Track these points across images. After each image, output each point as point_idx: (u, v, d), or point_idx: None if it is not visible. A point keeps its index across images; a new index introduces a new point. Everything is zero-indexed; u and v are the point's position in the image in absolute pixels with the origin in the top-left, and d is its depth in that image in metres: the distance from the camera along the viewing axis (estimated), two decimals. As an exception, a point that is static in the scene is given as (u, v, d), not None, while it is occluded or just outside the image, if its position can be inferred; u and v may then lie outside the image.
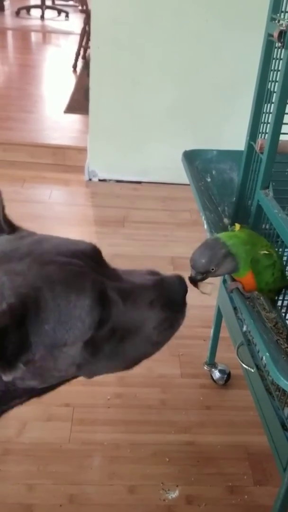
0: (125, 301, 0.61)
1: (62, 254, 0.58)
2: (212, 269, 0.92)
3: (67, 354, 0.56)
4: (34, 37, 5.86)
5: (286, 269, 1.10)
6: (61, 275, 0.56)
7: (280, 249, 1.12)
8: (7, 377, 0.53)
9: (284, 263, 1.09)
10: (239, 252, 0.92)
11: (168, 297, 0.64)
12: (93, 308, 0.56)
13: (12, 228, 0.65)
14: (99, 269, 0.60)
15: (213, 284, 0.99)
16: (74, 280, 0.56)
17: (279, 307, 1.19)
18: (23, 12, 6.56)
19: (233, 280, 0.98)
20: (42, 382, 0.58)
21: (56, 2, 6.90)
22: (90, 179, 2.84)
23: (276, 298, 1.11)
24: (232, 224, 1.08)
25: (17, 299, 0.52)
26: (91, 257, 0.61)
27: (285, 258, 1.09)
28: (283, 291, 1.11)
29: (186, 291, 0.66)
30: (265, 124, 1.14)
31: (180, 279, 0.66)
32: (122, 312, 0.60)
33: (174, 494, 1.27)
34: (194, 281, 0.94)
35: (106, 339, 0.59)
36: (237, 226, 0.99)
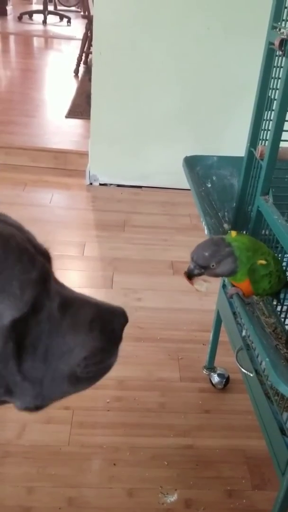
0: (64, 309, 0.54)
1: (23, 235, 0.55)
2: (212, 265, 0.91)
3: None
4: (36, 42, 5.89)
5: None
6: (19, 243, 0.52)
7: (280, 255, 1.13)
8: None
9: (284, 268, 1.10)
10: (241, 256, 0.92)
11: (108, 323, 0.57)
12: (37, 282, 0.51)
13: None
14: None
15: (208, 282, 0.99)
16: (27, 253, 0.52)
17: (278, 313, 1.20)
18: (26, 17, 6.60)
19: (233, 285, 0.99)
20: None
21: (59, 8, 6.95)
22: (91, 183, 2.86)
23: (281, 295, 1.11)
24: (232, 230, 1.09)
25: None
26: (44, 256, 0.56)
27: (284, 264, 1.10)
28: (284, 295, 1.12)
29: (126, 323, 0.59)
30: (265, 131, 1.15)
31: (123, 310, 0.60)
32: (58, 319, 0.54)
33: (172, 498, 1.28)
34: (191, 275, 0.93)
35: (33, 340, 0.52)
36: (233, 233, 0.99)
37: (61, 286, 0.57)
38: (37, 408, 0.57)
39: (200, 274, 0.93)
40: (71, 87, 4.22)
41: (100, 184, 2.86)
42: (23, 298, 0.49)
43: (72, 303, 0.55)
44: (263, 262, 0.93)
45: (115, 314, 0.58)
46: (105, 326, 0.56)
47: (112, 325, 0.57)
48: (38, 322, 0.52)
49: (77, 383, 0.57)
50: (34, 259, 0.52)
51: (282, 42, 0.96)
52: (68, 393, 0.58)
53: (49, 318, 0.53)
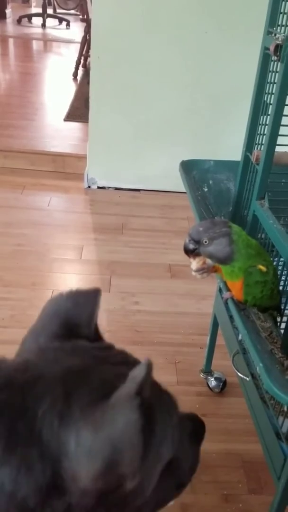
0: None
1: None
2: (205, 242, 0.89)
3: (157, 472, 0.50)
4: (35, 45, 5.90)
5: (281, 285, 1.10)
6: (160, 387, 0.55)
7: (275, 259, 1.13)
8: (131, 484, 0.45)
9: (279, 272, 1.10)
10: (239, 244, 0.89)
11: (198, 431, 0.62)
12: (176, 421, 0.54)
13: (97, 336, 0.59)
14: None
15: (207, 266, 0.98)
16: (163, 388, 0.56)
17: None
18: (25, 20, 6.61)
19: (228, 290, 0.99)
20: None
21: (58, 11, 6.96)
22: (89, 187, 2.86)
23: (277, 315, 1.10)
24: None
25: None
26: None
27: (279, 268, 1.10)
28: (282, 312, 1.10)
29: (204, 426, 0.64)
30: (261, 136, 1.15)
31: (196, 415, 0.64)
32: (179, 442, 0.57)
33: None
34: (186, 250, 0.92)
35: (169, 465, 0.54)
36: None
37: None
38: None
39: (194, 250, 0.91)
40: (70, 90, 4.22)
41: (98, 187, 2.86)
42: (174, 440, 0.52)
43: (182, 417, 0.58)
44: (263, 268, 0.91)
45: (196, 419, 0.62)
46: (198, 435, 0.61)
47: (201, 433, 0.62)
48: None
49: (180, 488, 0.61)
50: (174, 404, 0.55)
51: (277, 47, 0.96)
52: (172, 498, 0.61)
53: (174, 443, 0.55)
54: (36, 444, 0.43)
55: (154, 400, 0.49)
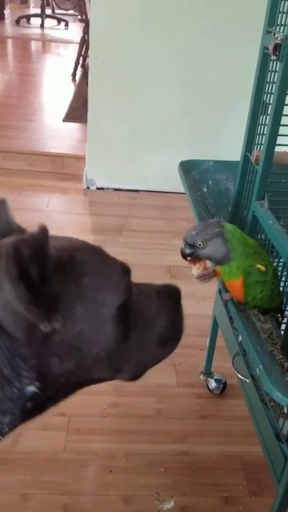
0: (137, 289, 0.64)
1: None
2: (199, 245, 0.89)
3: (106, 318, 0.57)
4: (34, 45, 5.89)
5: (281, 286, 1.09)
6: (94, 246, 0.62)
7: (276, 260, 1.12)
8: (45, 327, 0.51)
9: (279, 273, 1.09)
10: (234, 242, 0.89)
11: (167, 289, 0.69)
12: (124, 273, 0.61)
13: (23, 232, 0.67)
14: None
15: (208, 272, 0.98)
16: (104, 252, 0.62)
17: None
18: (23, 21, 6.60)
19: (227, 291, 0.98)
20: (79, 362, 0.58)
21: (56, 11, 6.95)
22: (88, 188, 2.85)
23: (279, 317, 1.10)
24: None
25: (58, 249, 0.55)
26: None
27: (279, 268, 1.09)
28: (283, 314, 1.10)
29: (176, 286, 0.71)
30: (260, 136, 1.15)
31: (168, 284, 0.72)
32: (138, 298, 0.64)
33: (169, 505, 1.27)
34: (183, 255, 0.93)
35: (132, 319, 0.61)
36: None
37: None
38: (136, 377, 0.71)
39: (191, 254, 0.92)
40: (69, 90, 4.22)
41: (97, 188, 2.86)
42: (118, 287, 0.59)
43: (137, 283, 0.66)
44: (262, 268, 0.90)
45: (166, 284, 0.71)
46: (168, 292, 0.70)
47: (170, 290, 0.70)
48: (133, 303, 0.62)
49: (166, 344, 0.69)
50: (115, 259, 0.63)
51: (276, 46, 0.96)
52: (160, 357, 0.70)
53: (134, 298, 0.63)
54: None
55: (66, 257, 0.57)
